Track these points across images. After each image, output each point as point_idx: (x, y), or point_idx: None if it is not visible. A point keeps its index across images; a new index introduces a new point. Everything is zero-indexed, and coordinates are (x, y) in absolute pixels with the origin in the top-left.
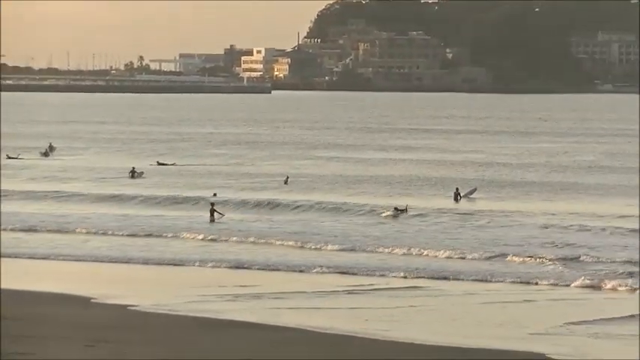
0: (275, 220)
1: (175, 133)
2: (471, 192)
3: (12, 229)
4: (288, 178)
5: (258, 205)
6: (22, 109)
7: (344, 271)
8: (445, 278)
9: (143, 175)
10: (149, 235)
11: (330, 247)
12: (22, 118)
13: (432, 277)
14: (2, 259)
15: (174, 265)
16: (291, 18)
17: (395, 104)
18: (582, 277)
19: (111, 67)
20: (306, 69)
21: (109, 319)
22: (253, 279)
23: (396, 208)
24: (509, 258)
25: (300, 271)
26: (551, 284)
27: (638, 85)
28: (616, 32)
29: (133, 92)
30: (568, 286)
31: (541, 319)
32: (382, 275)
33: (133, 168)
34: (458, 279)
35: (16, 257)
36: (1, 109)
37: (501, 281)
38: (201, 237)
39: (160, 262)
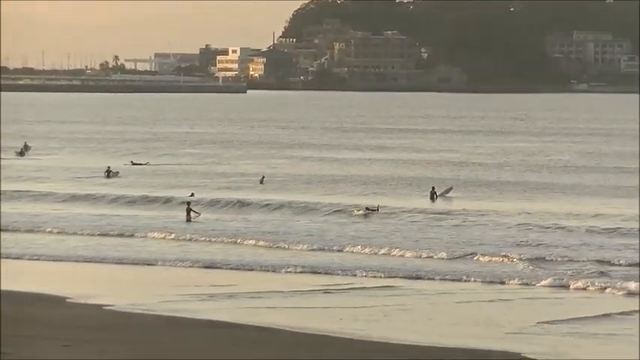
0: (250, 219)
1: (151, 133)
2: (447, 191)
3: None
4: (263, 177)
5: (234, 204)
6: None
7: (319, 271)
8: (420, 278)
9: (119, 175)
10: (124, 235)
11: (305, 246)
12: None
13: (407, 277)
14: None
15: (150, 264)
16: (266, 18)
17: (370, 104)
18: (551, 277)
19: (86, 66)
20: (282, 69)
21: (85, 318)
22: (229, 278)
23: (367, 208)
24: (481, 258)
25: (275, 271)
26: (523, 284)
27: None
28: (591, 32)
29: (108, 92)
30: (537, 285)
31: (515, 318)
32: (357, 275)
33: (109, 167)
34: (432, 278)
35: None
36: None
37: (476, 280)
38: (176, 236)
39: (135, 262)
